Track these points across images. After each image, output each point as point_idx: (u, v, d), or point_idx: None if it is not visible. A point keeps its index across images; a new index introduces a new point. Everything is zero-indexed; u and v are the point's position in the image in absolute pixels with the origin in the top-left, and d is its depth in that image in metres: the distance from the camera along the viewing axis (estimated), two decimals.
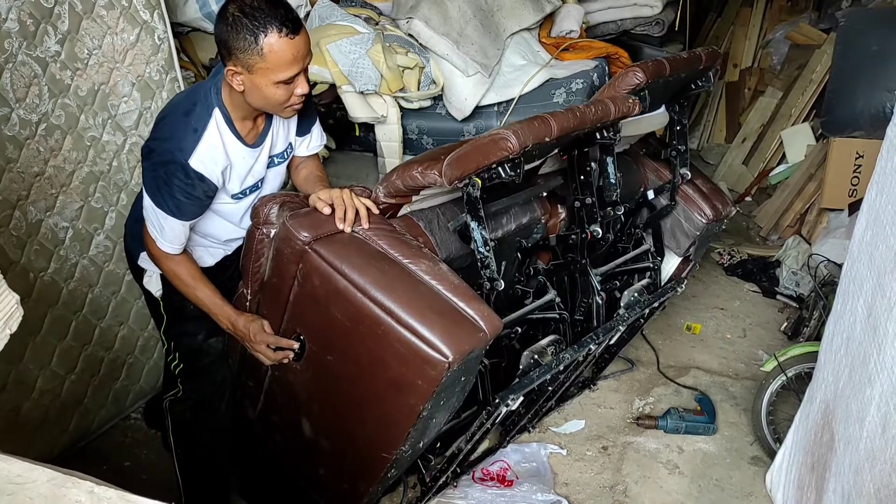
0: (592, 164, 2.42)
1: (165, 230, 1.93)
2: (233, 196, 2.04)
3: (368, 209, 2.00)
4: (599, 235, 2.45)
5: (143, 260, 2.16)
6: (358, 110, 3.36)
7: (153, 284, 2.21)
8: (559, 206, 2.65)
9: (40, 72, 2.22)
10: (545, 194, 2.60)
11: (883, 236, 1.93)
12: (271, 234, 1.99)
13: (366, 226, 1.97)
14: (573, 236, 2.53)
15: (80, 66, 2.34)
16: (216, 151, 1.90)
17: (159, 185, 1.87)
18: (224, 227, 2.13)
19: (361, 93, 3.32)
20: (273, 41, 1.74)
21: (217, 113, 1.90)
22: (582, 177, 2.39)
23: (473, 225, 2.01)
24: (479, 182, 1.96)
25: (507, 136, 1.88)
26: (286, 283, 1.96)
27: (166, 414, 2.35)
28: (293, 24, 1.76)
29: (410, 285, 1.85)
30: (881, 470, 1.69)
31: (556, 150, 2.35)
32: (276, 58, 1.76)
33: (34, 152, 2.26)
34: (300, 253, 1.89)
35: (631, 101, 2.26)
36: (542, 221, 2.59)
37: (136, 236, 2.12)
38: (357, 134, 3.64)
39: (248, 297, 2.09)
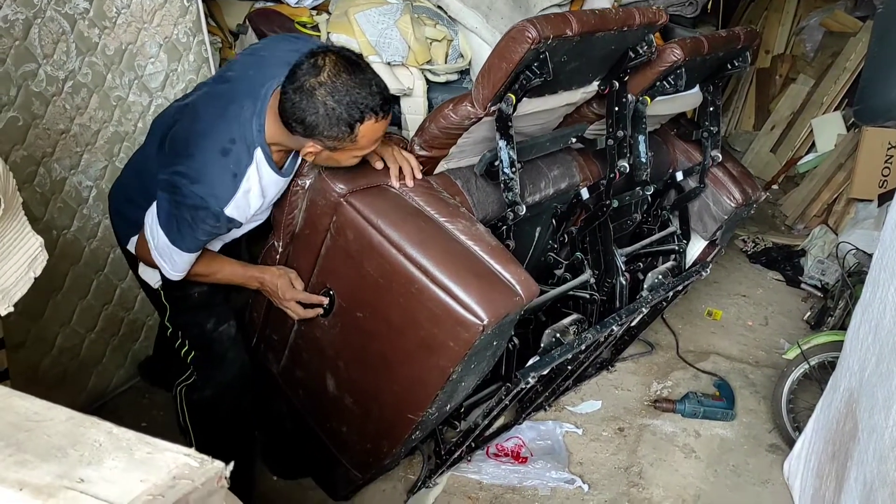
0: (629, 95, 2.34)
1: (177, 262, 1.81)
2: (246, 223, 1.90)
3: (413, 167, 1.97)
4: (627, 170, 2.37)
5: (134, 247, 1.99)
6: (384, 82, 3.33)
7: (150, 275, 2.04)
8: (597, 165, 2.60)
9: (68, 28, 2.20)
10: (583, 162, 2.54)
11: None
12: (306, 185, 1.94)
13: (411, 184, 1.94)
14: (603, 181, 2.47)
15: (109, 25, 2.32)
16: (252, 195, 1.77)
17: (181, 225, 1.73)
18: (233, 234, 1.99)
19: (388, 64, 3.28)
20: (368, 127, 1.63)
21: (259, 154, 1.74)
22: (617, 108, 2.32)
23: (502, 144, 1.95)
24: (514, 97, 1.89)
25: (525, 25, 1.76)
26: (319, 235, 1.93)
27: (180, 400, 2.27)
28: (387, 104, 1.64)
29: (447, 244, 1.82)
30: None
31: (595, 82, 2.26)
32: (368, 140, 1.67)
33: (60, 109, 2.25)
34: (335, 205, 1.86)
35: (656, 9, 2.16)
36: (580, 187, 2.54)
37: (126, 219, 1.98)
38: None
39: (279, 249, 2.06)
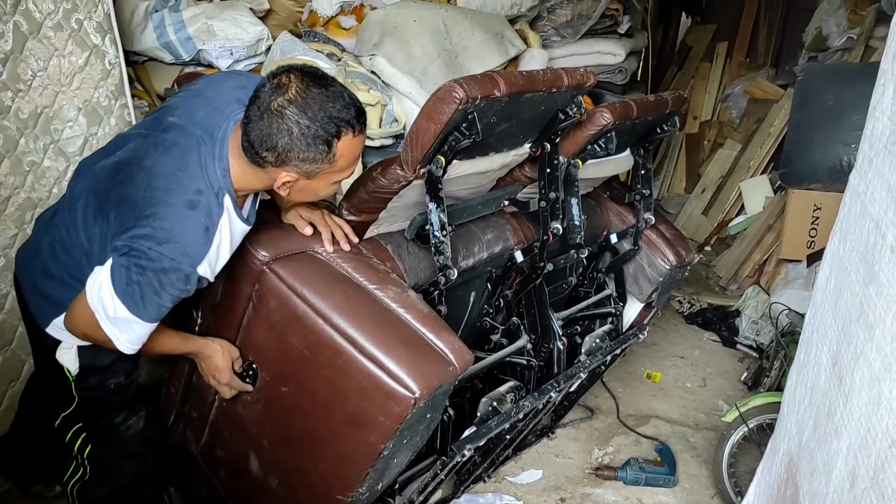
0: (560, 157, 2.33)
1: (135, 333, 1.62)
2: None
3: (346, 233, 1.89)
4: (560, 232, 2.34)
5: (57, 328, 1.76)
6: None
7: (70, 360, 1.81)
8: (531, 228, 2.57)
9: None
10: (517, 225, 2.52)
11: (847, 283, 1.89)
12: None
13: (347, 248, 1.86)
14: (536, 243, 2.43)
15: (23, 88, 2.23)
16: (223, 248, 1.63)
17: (145, 293, 1.55)
18: None
19: None
20: (346, 143, 1.52)
21: (228, 202, 1.60)
22: (549, 170, 2.30)
23: (432, 206, 1.90)
24: (443, 159, 1.85)
25: (452, 86, 1.72)
26: (240, 305, 1.84)
27: (73, 501, 2.05)
28: (363, 117, 1.54)
29: (376, 313, 1.75)
30: None
31: (526, 144, 2.25)
32: (346, 161, 1.56)
33: None
34: (257, 273, 1.78)
35: (583, 70, 2.16)
36: (514, 250, 2.50)
37: (47, 297, 1.75)
38: None
39: (199, 321, 1.96)
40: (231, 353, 1.87)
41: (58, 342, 1.80)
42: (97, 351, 1.76)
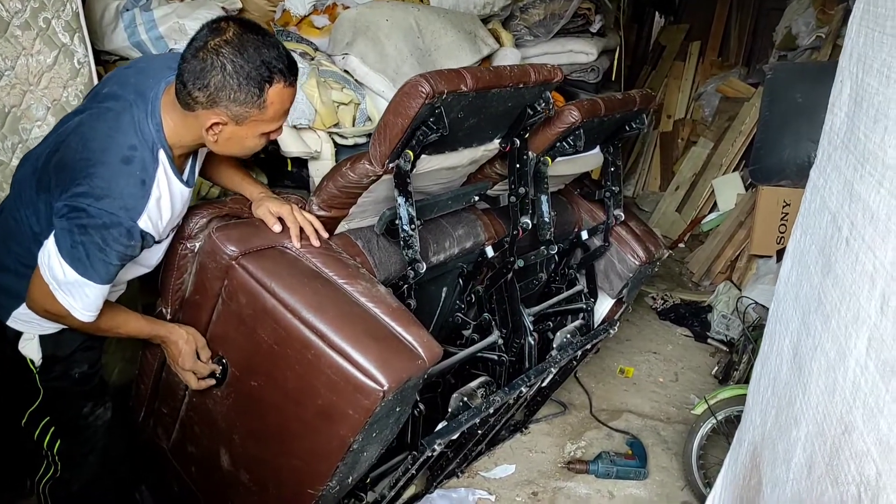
0: (530, 153, 2.36)
1: (89, 298, 1.62)
2: (157, 241, 1.74)
3: (316, 228, 1.91)
4: (529, 227, 2.38)
5: (18, 320, 1.77)
6: (291, 145, 3.28)
7: (32, 350, 1.81)
8: (501, 224, 2.60)
9: None
10: (488, 220, 2.55)
11: (807, 276, 1.93)
12: (196, 248, 1.86)
13: (317, 244, 1.88)
14: (507, 238, 2.46)
15: None
16: (163, 203, 1.65)
17: (91, 251, 1.56)
18: (134, 271, 1.86)
19: (295, 127, 3.25)
20: (277, 91, 1.54)
21: (163, 156, 1.63)
22: (518, 165, 2.33)
23: (401, 201, 1.93)
24: (412, 154, 1.88)
25: (418, 80, 1.76)
26: (209, 300, 1.84)
27: (45, 499, 2.04)
28: (295, 69, 1.57)
29: (345, 307, 1.76)
30: None
31: (495, 139, 2.27)
32: (276, 110, 1.58)
33: None
34: (226, 268, 1.79)
35: (550, 66, 2.19)
36: (485, 245, 2.53)
37: (2, 288, 1.76)
38: (290, 169, 3.56)
39: (168, 316, 1.95)
40: (197, 340, 1.88)
41: (20, 334, 1.80)
42: (59, 339, 1.79)
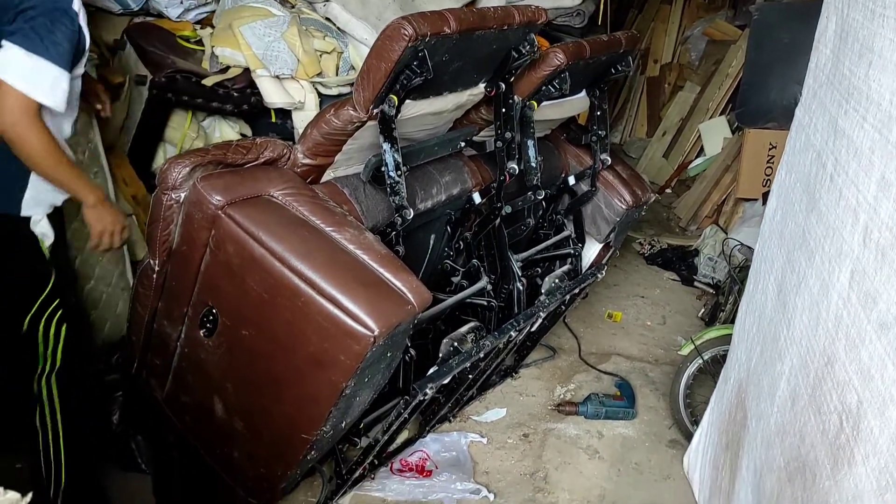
0: (515, 97, 2.35)
1: (51, 82, 1.77)
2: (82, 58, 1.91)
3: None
4: (516, 172, 2.38)
5: (30, 204, 1.95)
6: (274, 95, 3.24)
7: (44, 228, 1.99)
8: (488, 170, 2.60)
9: None
10: (475, 167, 2.54)
11: (792, 214, 1.95)
12: (181, 199, 1.85)
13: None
14: (494, 184, 2.47)
15: None
16: (82, 15, 1.84)
17: (41, 32, 1.75)
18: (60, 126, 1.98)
19: (277, 77, 3.21)
20: None
21: None
22: (504, 109, 2.32)
23: (386, 147, 1.92)
24: (396, 98, 1.87)
25: (400, 23, 1.75)
26: (197, 251, 1.84)
27: (49, 391, 2.13)
28: None
29: (333, 254, 1.76)
30: (790, 443, 1.70)
31: (480, 84, 2.26)
32: None
33: None
34: (213, 218, 1.78)
35: (535, 7, 2.17)
36: (472, 192, 2.53)
37: (11, 175, 1.90)
38: (273, 120, 3.52)
39: (156, 269, 1.95)
40: (121, 221, 2.03)
41: (28, 219, 1.96)
42: (57, 219, 2.03)
